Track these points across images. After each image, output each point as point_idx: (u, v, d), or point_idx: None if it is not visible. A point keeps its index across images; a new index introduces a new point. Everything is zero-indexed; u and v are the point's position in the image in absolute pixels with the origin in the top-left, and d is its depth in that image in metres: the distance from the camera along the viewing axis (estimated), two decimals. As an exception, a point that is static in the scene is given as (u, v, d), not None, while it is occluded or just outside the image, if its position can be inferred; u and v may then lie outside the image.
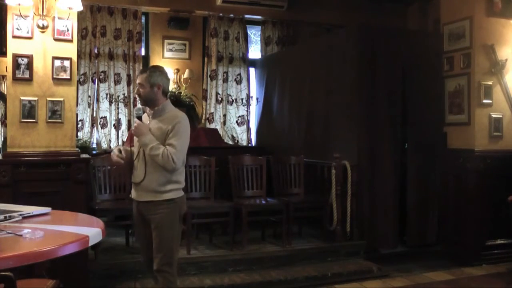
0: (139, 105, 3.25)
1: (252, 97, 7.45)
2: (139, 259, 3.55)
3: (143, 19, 6.88)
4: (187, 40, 7.06)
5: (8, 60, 4.05)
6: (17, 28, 4.00)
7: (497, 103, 5.31)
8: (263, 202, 5.13)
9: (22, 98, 4.03)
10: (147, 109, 3.24)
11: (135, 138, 3.20)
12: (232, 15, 7.20)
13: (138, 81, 3.18)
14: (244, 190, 5.21)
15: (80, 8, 4.15)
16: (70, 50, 4.15)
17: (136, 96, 3.17)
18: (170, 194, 3.11)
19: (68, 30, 4.13)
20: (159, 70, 3.24)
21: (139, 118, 3.12)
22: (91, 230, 1.68)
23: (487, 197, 5.16)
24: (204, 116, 7.05)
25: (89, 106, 6.47)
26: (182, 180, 3.20)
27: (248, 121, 7.37)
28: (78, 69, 6.06)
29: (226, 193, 5.27)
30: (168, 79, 3.26)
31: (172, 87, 6.80)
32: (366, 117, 5.20)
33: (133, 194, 3.21)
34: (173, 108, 3.25)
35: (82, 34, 6.35)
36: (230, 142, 7.12)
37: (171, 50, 6.99)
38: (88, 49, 6.45)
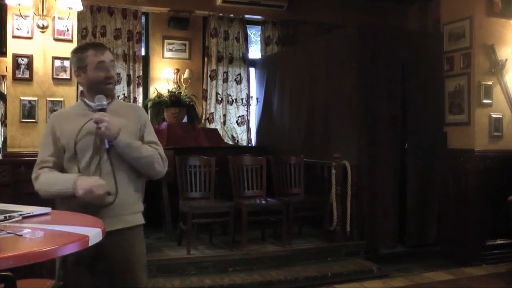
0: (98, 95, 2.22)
1: (252, 97, 7.45)
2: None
3: (143, 19, 6.87)
4: (187, 40, 7.05)
5: (8, 60, 4.06)
6: (17, 28, 4.02)
7: (497, 103, 5.30)
8: (263, 202, 5.13)
9: (22, 98, 4.04)
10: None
11: (80, 138, 2.17)
12: (232, 15, 7.20)
13: (107, 58, 2.23)
14: (244, 190, 5.21)
15: (80, 8, 4.16)
16: (70, 50, 4.14)
17: (108, 80, 2.25)
18: (141, 215, 2.32)
19: (68, 30, 4.14)
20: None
21: (103, 110, 2.16)
22: (91, 230, 1.67)
23: (487, 197, 5.15)
24: (204, 116, 7.04)
25: (89, 106, 6.45)
26: None
27: (248, 121, 7.37)
28: (78, 69, 6.06)
29: (226, 193, 5.27)
30: None
31: (172, 87, 6.80)
32: (366, 117, 5.20)
33: None
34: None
35: (82, 34, 6.34)
36: (230, 142, 7.12)
37: (171, 50, 6.99)
38: (88, 49, 6.43)
